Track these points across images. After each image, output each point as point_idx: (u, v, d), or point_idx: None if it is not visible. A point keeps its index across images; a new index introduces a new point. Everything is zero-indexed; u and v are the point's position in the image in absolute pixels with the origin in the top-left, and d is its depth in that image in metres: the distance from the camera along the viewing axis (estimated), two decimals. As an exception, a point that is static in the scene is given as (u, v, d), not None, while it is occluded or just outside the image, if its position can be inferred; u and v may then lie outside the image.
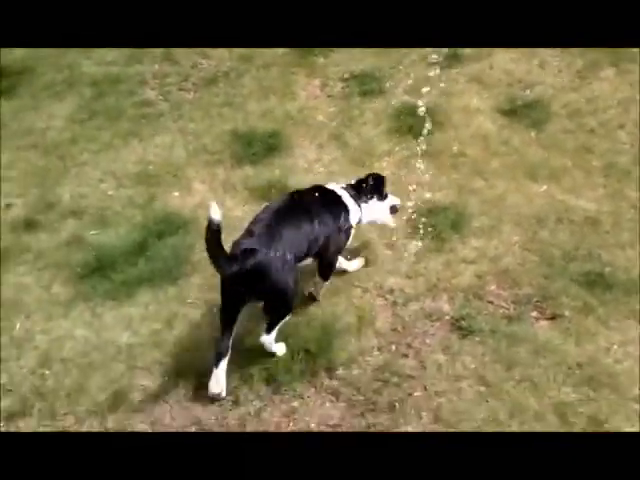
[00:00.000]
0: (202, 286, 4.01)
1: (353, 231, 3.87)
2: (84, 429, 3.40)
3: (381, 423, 3.33)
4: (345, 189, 3.88)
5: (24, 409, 3.52)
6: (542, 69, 5.35)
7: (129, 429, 3.40)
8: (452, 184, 4.52)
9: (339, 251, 3.83)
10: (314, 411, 3.42)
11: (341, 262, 3.95)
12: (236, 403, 3.46)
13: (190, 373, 3.60)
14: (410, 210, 4.36)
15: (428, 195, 4.46)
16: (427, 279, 3.97)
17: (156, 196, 4.63)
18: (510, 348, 3.60)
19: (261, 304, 3.54)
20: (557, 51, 5.43)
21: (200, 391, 3.52)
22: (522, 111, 4.98)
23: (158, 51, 5.74)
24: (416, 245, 4.16)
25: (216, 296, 3.59)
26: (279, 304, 3.52)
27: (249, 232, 3.52)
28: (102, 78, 5.57)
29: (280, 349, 3.61)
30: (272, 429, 3.34)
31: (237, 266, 3.31)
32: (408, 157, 4.74)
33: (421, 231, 4.22)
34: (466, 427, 3.29)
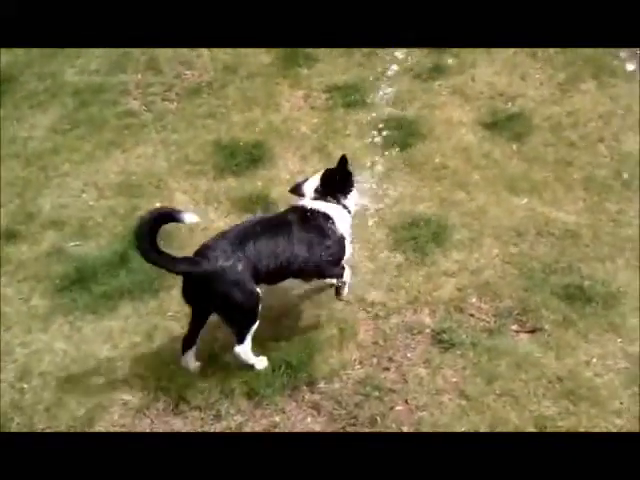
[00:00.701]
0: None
1: (348, 238, 3.73)
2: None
3: (362, 437, 3.33)
4: (323, 199, 3.66)
5: (3, 423, 3.47)
6: (524, 82, 5.39)
7: (109, 444, 3.37)
8: (434, 196, 4.54)
9: (337, 262, 3.67)
10: (295, 425, 3.41)
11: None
12: (217, 417, 3.44)
13: (171, 387, 3.57)
14: (392, 223, 4.37)
15: (410, 207, 4.48)
16: (408, 292, 3.98)
17: (138, 207, 4.60)
18: (491, 361, 3.61)
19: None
20: (539, 63, 5.49)
21: (181, 405, 3.50)
22: (504, 124, 5.02)
23: (142, 60, 5.73)
24: (397, 258, 4.17)
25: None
26: (234, 316, 3.44)
27: (218, 236, 3.47)
28: (85, 87, 5.56)
29: (260, 363, 3.58)
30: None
31: (185, 267, 3.33)
32: (391, 169, 4.76)
33: (403, 244, 4.24)
34: (446, 441, 3.29)
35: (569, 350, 3.66)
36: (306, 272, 3.60)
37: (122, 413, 3.50)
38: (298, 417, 3.45)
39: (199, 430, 3.39)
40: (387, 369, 3.64)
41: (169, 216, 3.35)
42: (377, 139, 5.00)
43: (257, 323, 3.47)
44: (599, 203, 4.44)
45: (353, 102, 5.30)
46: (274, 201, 4.56)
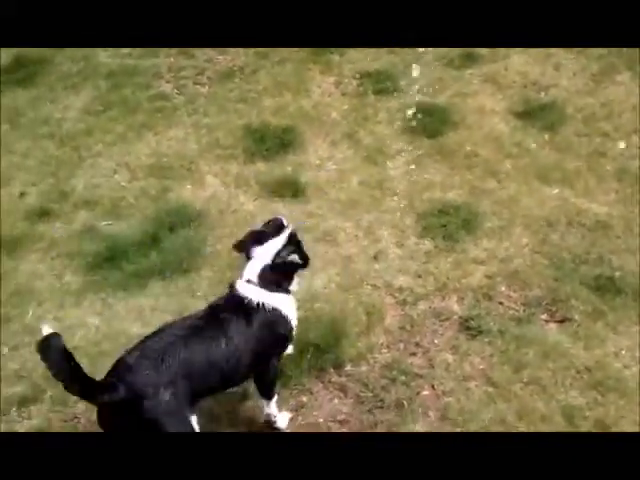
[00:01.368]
0: (212, 279, 4.02)
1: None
2: (94, 417, 3.42)
3: (388, 420, 3.35)
4: (266, 287, 3.04)
5: (36, 395, 3.54)
6: (557, 71, 5.34)
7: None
8: (464, 184, 4.53)
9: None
10: (323, 406, 3.44)
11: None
12: (245, 397, 3.48)
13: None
14: (421, 209, 4.37)
15: (440, 195, 4.47)
16: (437, 279, 3.98)
17: (169, 188, 4.66)
18: (519, 350, 3.61)
19: None
20: (572, 54, 5.42)
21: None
22: (536, 113, 4.97)
23: (174, 44, 5.76)
24: (426, 245, 4.17)
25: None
26: None
27: (136, 353, 2.81)
28: (118, 70, 5.60)
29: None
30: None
31: (107, 396, 2.69)
32: (421, 156, 4.75)
33: (432, 231, 4.23)
34: (473, 427, 3.30)
35: (598, 341, 3.64)
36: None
37: (151, 389, 3.54)
38: (325, 398, 3.48)
39: (228, 409, 3.43)
40: (414, 354, 3.65)
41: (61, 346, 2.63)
42: (408, 126, 4.98)
43: None
44: (632, 195, 4.39)
45: (384, 89, 5.28)
46: (303, 186, 4.58)
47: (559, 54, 5.43)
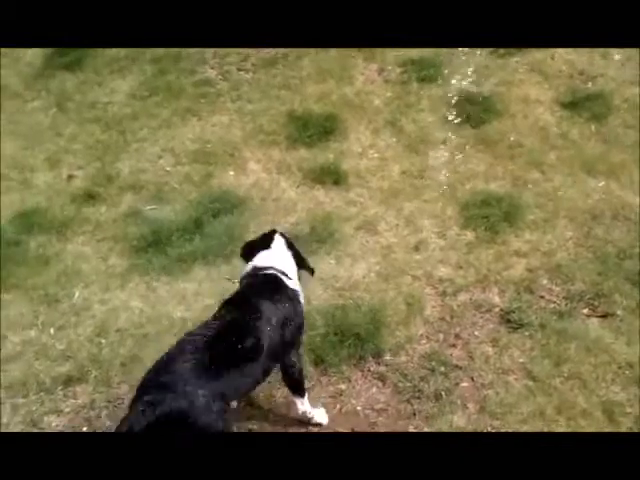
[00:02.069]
0: (254, 265, 4.08)
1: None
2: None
3: (427, 410, 3.36)
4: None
5: (81, 375, 3.64)
6: (604, 61, 5.25)
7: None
8: (507, 175, 4.49)
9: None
10: (361, 394, 3.47)
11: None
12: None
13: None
14: (464, 200, 4.35)
15: (483, 185, 4.44)
16: (478, 270, 3.97)
17: (212, 174, 4.71)
18: (559, 344, 3.59)
19: None
20: (622, 43, 5.31)
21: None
22: (583, 104, 4.90)
23: (218, 30, 5.80)
24: (468, 236, 4.16)
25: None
26: None
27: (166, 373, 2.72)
28: (163, 55, 5.66)
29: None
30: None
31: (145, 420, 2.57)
32: (464, 146, 4.72)
33: (474, 222, 4.21)
34: (512, 420, 3.29)
35: (641, 337, 3.61)
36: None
37: (193, 372, 3.62)
38: (363, 387, 3.50)
39: (266, 393, 3.48)
40: (453, 346, 3.65)
41: None
42: (451, 115, 4.95)
43: None
44: (679, 189, 4.31)
45: (427, 77, 5.25)
46: (344, 174, 4.59)
47: (608, 43, 5.32)
